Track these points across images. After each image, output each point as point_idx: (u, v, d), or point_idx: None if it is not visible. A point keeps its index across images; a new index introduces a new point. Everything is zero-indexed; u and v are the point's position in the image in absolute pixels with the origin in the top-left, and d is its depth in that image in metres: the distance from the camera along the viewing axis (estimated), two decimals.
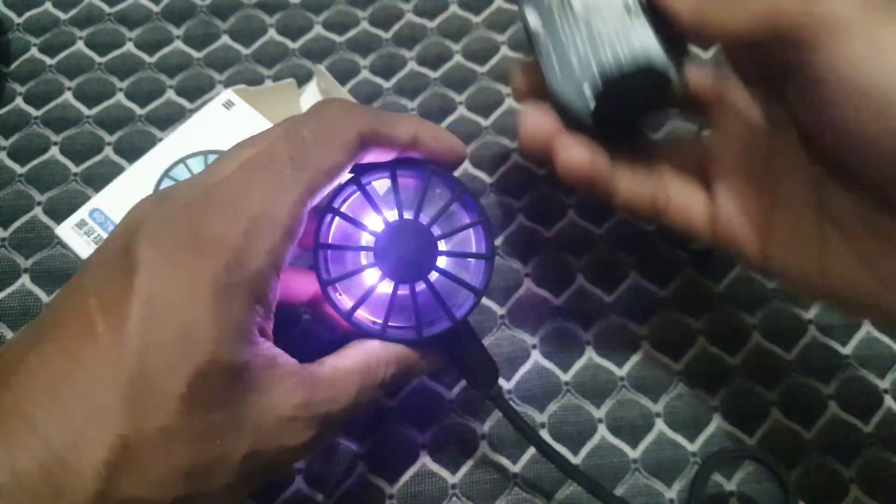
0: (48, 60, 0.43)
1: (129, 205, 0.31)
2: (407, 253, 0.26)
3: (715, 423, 0.34)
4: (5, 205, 0.38)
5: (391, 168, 0.26)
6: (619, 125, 0.28)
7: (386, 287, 0.26)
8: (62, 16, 0.44)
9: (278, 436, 0.22)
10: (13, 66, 0.42)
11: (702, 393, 0.35)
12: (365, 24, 0.45)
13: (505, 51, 0.44)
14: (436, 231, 0.27)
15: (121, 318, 0.20)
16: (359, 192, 0.26)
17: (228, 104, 0.34)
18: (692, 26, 0.25)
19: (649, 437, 0.34)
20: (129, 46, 0.43)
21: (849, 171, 0.25)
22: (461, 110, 0.42)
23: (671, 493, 0.32)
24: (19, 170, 0.39)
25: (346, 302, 0.26)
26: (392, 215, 0.26)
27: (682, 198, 0.30)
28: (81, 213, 0.31)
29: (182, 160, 0.32)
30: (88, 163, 0.40)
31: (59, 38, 0.43)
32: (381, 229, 0.26)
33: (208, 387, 0.20)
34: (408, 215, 0.27)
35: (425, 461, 0.33)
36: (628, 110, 0.28)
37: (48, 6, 0.44)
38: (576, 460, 0.33)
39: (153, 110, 0.41)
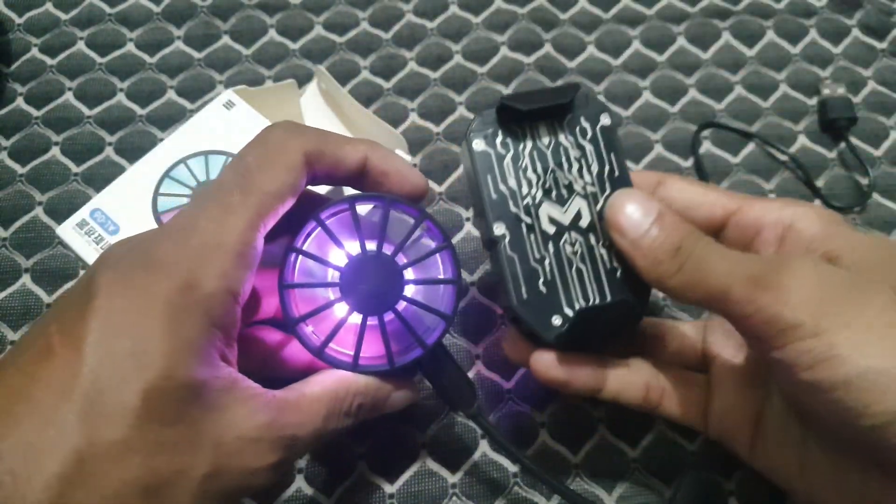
0: (49, 61, 0.43)
1: (129, 205, 0.31)
2: (373, 285, 0.26)
3: None
4: (6, 205, 0.38)
5: (350, 201, 0.26)
6: (580, 348, 0.28)
7: (356, 319, 0.26)
8: (63, 16, 0.44)
9: (241, 456, 0.22)
10: (14, 66, 0.43)
11: None
12: (365, 25, 0.45)
13: (505, 51, 0.44)
14: (400, 260, 0.27)
15: (77, 337, 0.20)
16: (319, 229, 0.26)
17: (229, 104, 0.34)
18: (652, 284, 0.26)
19: (649, 437, 0.34)
20: (130, 47, 0.44)
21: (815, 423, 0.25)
22: (461, 111, 0.42)
23: (671, 492, 0.32)
24: (20, 170, 0.39)
25: (317, 339, 0.27)
26: (355, 248, 0.26)
27: (675, 394, 0.30)
28: (82, 213, 0.31)
29: (183, 160, 0.32)
30: (89, 163, 0.40)
31: (60, 38, 0.43)
32: (346, 263, 0.26)
33: (162, 402, 0.20)
34: (371, 246, 0.27)
35: (425, 461, 0.33)
36: (591, 338, 0.28)
37: (49, 6, 0.44)
38: (575, 460, 0.33)
39: (154, 111, 0.41)
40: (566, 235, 0.28)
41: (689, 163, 0.41)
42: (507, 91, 0.43)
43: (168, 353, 0.20)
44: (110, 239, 0.31)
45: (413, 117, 0.42)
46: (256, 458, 0.22)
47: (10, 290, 0.36)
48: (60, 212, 0.38)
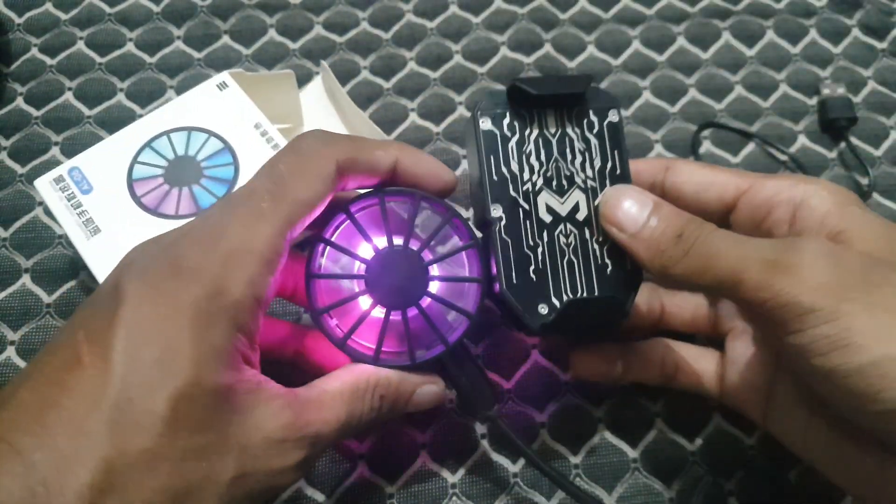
0: (49, 61, 0.43)
1: (106, 168, 0.32)
2: (398, 279, 0.26)
3: (714, 423, 0.34)
4: (6, 205, 0.38)
5: (380, 195, 0.27)
6: (564, 338, 0.29)
7: (380, 313, 0.26)
8: (63, 16, 0.44)
9: (267, 458, 0.22)
10: (14, 66, 0.42)
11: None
12: (365, 25, 0.45)
13: (505, 51, 0.44)
14: (427, 256, 0.27)
15: (105, 346, 0.20)
16: (349, 221, 0.26)
17: (222, 85, 0.35)
18: (657, 274, 0.26)
19: (649, 437, 0.34)
20: (130, 47, 0.43)
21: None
22: (461, 110, 0.42)
23: (671, 492, 0.32)
24: (20, 170, 0.39)
25: (339, 331, 0.27)
26: (382, 242, 0.27)
27: (688, 367, 0.31)
28: (61, 169, 0.32)
29: (166, 133, 0.33)
30: None
31: (60, 38, 0.43)
32: (372, 256, 0.27)
33: (190, 408, 0.20)
34: (398, 241, 0.27)
35: (425, 461, 0.33)
36: (575, 330, 0.28)
37: (49, 6, 0.44)
38: (575, 460, 0.33)
39: (154, 110, 0.41)
40: (561, 226, 0.28)
41: None
42: None
43: (195, 359, 0.21)
44: (82, 198, 0.31)
45: (413, 117, 0.42)
46: (282, 458, 0.22)
47: (9, 290, 0.36)
48: None
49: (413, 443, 0.33)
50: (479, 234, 0.28)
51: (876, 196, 0.40)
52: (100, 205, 0.31)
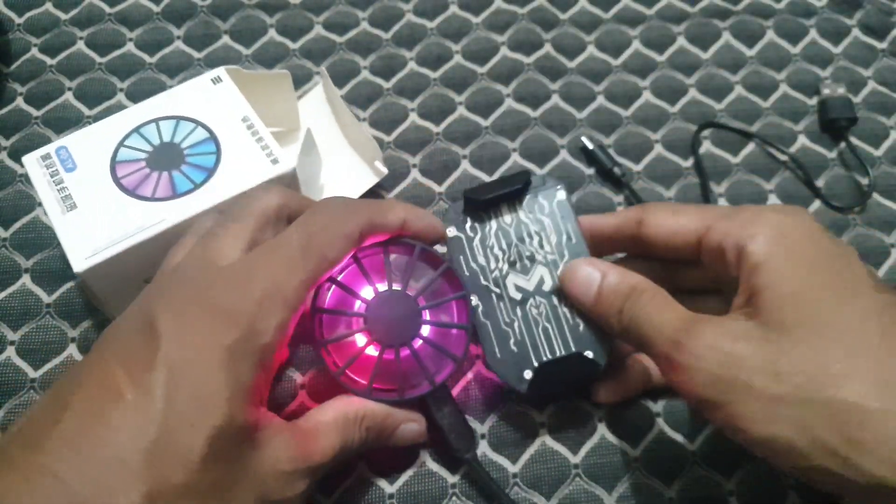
0: (49, 60, 0.43)
1: (93, 149, 0.32)
2: (394, 320, 0.29)
3: None
4: (6, 205, 0.38)
5: (383, 245, 0.30)
6: (550, 395, 0.33)
7: (374, 351, 0.29)
8: (63, 16, 0.44)
9: (279, 489, 0.24)
10: (14, 66, 0.43)
11: None
12: (365, 25, 0.45)
13: (505, 51, 0.44)
14: (421, 302, 0.30)
15: (147, 384, 0.22)
16: (354, 265, 0.29)
17: (217, 80, 0.35)
18: (611, 333, 0.30)
19: (649, 437, 0.34)
20: (130, 47, 0.44)
21: None
22: (461, 110, 0.42)
23: (671, 492, 0.32)
24: (20, 170, 0.39)
25: (335, 365, 0.29)
26: (383, 286, 0.30)
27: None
28: (50, 147, 0.32)
29: (154, 121, 0.33)
30: None
31: (60, 38, 0.43)
32: (372, 297, 0.29)
33: (224, 444, 0.22)
34: (397, 287, 0.30)
35: (425, 460, 0.33)
36: (558, 386, 0.32)
37: (49, 6, 0.44)
38: (575, 459, 0.33)
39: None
40: (531, 300, 0.32)
41: (688, 163, 0.41)
42: (507, 91, 0.43)
43: (230, 398, 0.22)
44: (65, 175, 0.31)
45: (413, 117, 0.42)
46: (291, 488, 0.24)
47: (9, 290, 0.36)
48: None
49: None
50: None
51: (876, 196, 0.40)
52: (81, 183, 0.31)
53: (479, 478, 0.31)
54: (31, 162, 0.32)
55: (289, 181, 0.33)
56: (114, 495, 0.20)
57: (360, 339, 0.30)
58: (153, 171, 0.32)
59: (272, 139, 0.33)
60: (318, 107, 0.41)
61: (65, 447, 0.21)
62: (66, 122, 0.41)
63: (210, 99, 0.34)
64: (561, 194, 0.33)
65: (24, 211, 0.38)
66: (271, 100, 0.38)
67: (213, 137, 0.33)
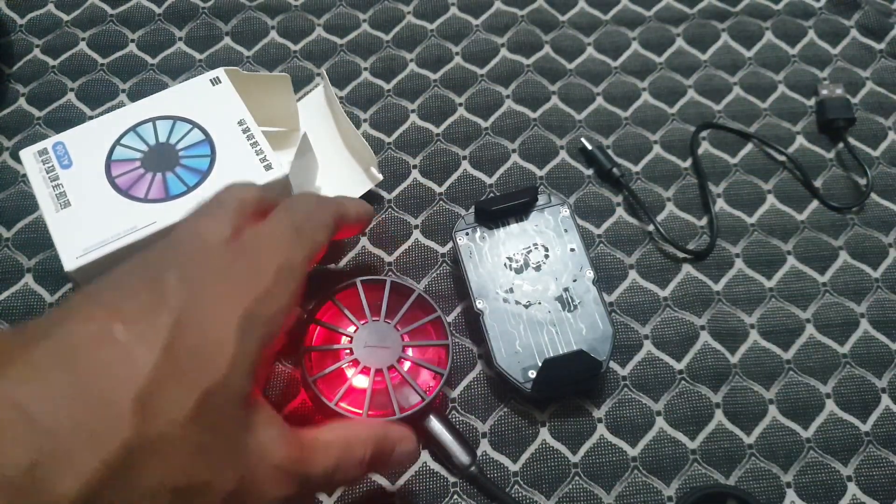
0: (51, 61, 0.43)
1: (90, 146, 0.32)
2: (378, 347, 0.32)
3: (715, 422, 0.34)
4: (8, 205, 0.39)
5: (357, 281, 0.34)
6: (554, 393, 0.34)
7: (364, 379, 0.32)
8: (64, 17, 0.44)
9: (263, 482, 0.22)
10: (16, 67, 0.43)
11: (702, 391, 0.35)
12: (366, 27, 0.45)
13: (505, 53, 0.44)
14: (400, 328, 0.33)
15: (144, 331, 0.20)
16: (330, 301, 0.33)
17: (216, 80, 0.35)
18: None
19: (649, 436, 0.34)
20: (132, 48, 0.44)
21: None
22: (461, 112, 0.42)
23: (670, 491, 0.32)
24: (22, 170, 0.39)
25: (330, 396, 0.31)
26: (363, 318, 0.33)
27: None
28: (47, 142, 0.32)
29: (152, 119, 0.33)
30: None
31: (62, 39, 0.44)
32: (355, 330, 0.33)
33: (214, 407, 0.20)
34: (376, 318, 0.33)
35: (426, 459, 0.33)
36: (560, 385, 0.33)
37: (51, 7, 0.45)
38: (575, 459, 0.33)
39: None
40: (537, 304, 0.34)
41: (687, 163, 0.41)
42: (506, 92, 0.43)
43: (230, 362, 0.21)
44: (60, 171, 0.31)
45: (413, 118, 0.42)
46: (275, 487, 0.23)
47: (12, 289, 0.36)
48: None
49: None
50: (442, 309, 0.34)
51: (874, 196, 0.40)
52: (75, 180, 0.31)
53: (483, 486, 0.32)
54: (28, 157, 0.32)
55: (281, 188, 0.33)
56: (95, 440, 0.18)
57: (349, 371, 0.32)
58: (147, 172, 0.32)
59: (267, 143, 0.33)
60: (317, 109, 0.41)
61: (36, 377, 0.18)
62: (67, 123, 0.41)
63: (208, 100, 0.34)
64: (565, 211, 0.36)
65: (26, 211, 0.38)
66: (271, 101, 0.38)
67: (208, 140, 0.33)
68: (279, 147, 0.34)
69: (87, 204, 0.31)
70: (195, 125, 0.33)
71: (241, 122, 0.34)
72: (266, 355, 0.23)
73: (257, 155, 0.33)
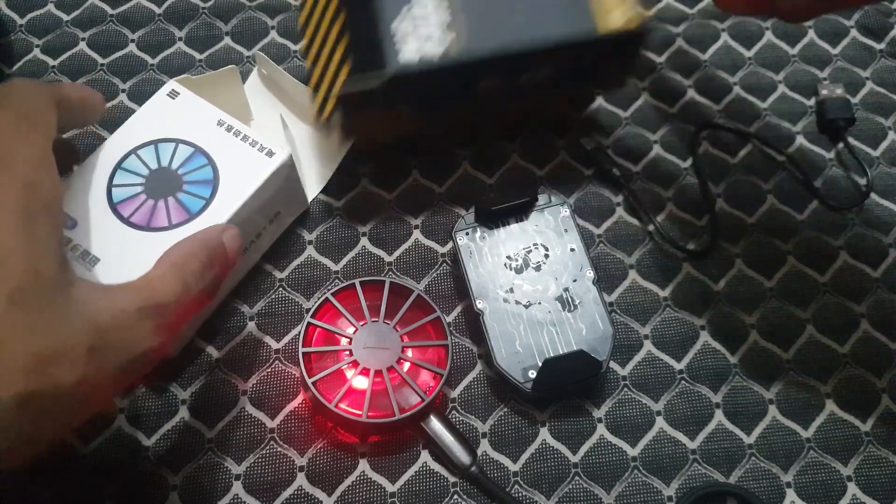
0: (51, 62, 0.43)
1: (84, 200, 0.32)
2: (378, 348, 0.32)
3: (715, 421, 0.34)
4: None
5: (355, 282, 0.34)
6: (554, 393, 0.34)
7: (362, 382, 0.32)
8: (64, 17, 0.44)
9: (120, 330, 0.24)
10: (15, 67, 0.43)
11: (702, 391, 0.35)
12: None
13: None
14: (399, 328, 0.33)
15: None
16: (329, 303, 0.33)
17: (173, 94, 0.35)
18: None
19: (649, 436, 0.34)
20: (132, 48, 0.44)
21: None
22: None
23: (670, 490, 0.33)
24: None
25: (330, 397, 0.31)
26: (362, 319, 0.33)
27: None
28: None
29: (133, 151, 0.33)
30: None
31: (62, 39, 0.44)
32: (354, 331, 0.33)
33: (27, 296, 0.22)
34: (375, 319, 0.33)
35: (426, 460, 0.33)
36: (560, 385, 0.33)
37: (51, 7, 0.45)
38: (575, 458, 0.33)
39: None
40: (537, 305, 0.34)
41: (687, 163, 0.41)
42: None
43: (28, 254, 0.22)
44: (69, 233, 0.31)
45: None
46: (135, 327, 0.24)
47: None
48: None
49: (414, 442, 0.33)
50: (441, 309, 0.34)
51: (874, 196, 0.40)
52: (89, 235, 0.31)
53: (484, 486, 0.32)
54: None
55: (288, 170, 0.33)
56: None
57: (349, 372, 0.32)
58: (158, 201, 0.32)
59: (256, 133, 0.33)
60: (258, 92, 0.42)
61: None
62: None
63: (175, 114, 0.34)
64: (565, 211, 0.36)
65: None
66: (223, 97, 0.37)
67: (198, 149, 0.33)
68: None
69: (115, 252, 0.30)
70: (179, 141, 0.33)
71: (220, 123, 0.34)
72: (58, 230, 0.24)
73: (253, 146, 0.33)
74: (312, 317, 0.33)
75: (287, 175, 0.34)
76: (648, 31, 0.34)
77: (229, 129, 0.33)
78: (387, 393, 0.31)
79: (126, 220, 0.31)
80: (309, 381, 0.31)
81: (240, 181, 0.32)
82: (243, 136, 0.33)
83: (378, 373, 0.32)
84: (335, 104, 0.34)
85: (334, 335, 0.33)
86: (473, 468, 0.32)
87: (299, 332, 0.33)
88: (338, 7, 0.33)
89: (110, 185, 0.32)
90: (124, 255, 0.30)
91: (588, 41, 0.33)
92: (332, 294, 0.33)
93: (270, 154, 0.33)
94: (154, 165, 0.33)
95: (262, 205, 0.34)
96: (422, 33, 0.32)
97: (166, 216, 0.31)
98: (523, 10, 0.33)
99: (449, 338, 0.33)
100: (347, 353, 0.32)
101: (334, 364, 0.32)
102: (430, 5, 0.33)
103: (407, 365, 0.33)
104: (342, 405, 0.31)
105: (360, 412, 0.31)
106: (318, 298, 0.34)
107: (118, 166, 0.33)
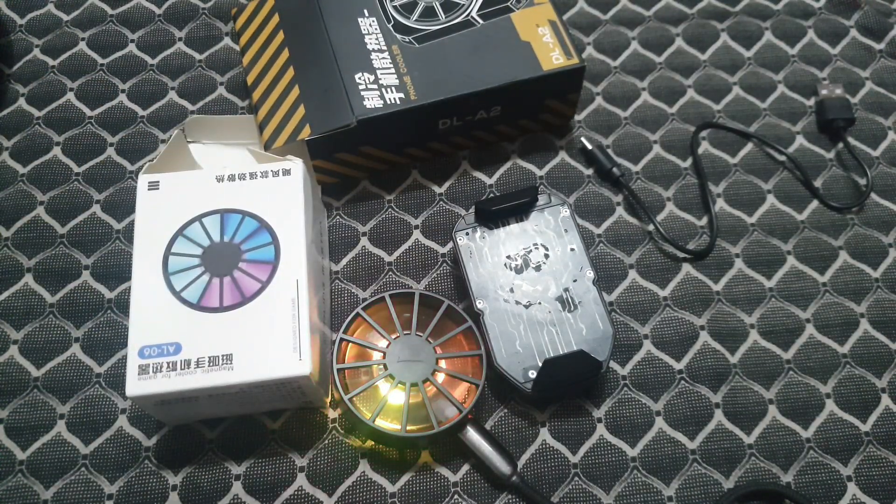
0: (50, 61, 0.43)
1: (161, 319, 0.30)
2: (412, 361, 0.32)
3: (715, 421, 0.34)
4: (8, 205, 0.39)
5: (385, 295, 0.33)
6: (554, 394, 0.34)
7: (398, 396, 0.31)
8: (64, 17, 0.44)
9: None
10: (15, 67, 0.43)
11: (702, 391, 0.35)
12: None
13: None
14: (432, 340, 0.33)
15: None
16: (360, 317, 0.33)
17: (153, 184, 0.33)
18: None
19: (649, 436, 0.34)
20: (132, 48, 0.44)
21: None
22: None
23: (669, 490, 0.33)
24: (21, 170, 0.39)
25: (365, 413, 0.31)
26: (395, 332, 0.33)
27: None
28: (132, 360, 0.29)
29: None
30: (91, 163, 0.40)
31: (62, 39, 0.44)
32: (387, 345, 0.32)
33: None
34: (407, 331, 0.33)
35: (426, 460, 0.33)
36: (560, 385, 0.32)
37: (50, 8, 0.45)
38: (574, 459, 0.33)
39: (155, 112, 0.42)
40: (537, 305, 0.34)
41: (687, 163, 0.41)
42: None
43: None
44: (177, 358, 0.29)
45: None
46: None
47: (12, 289, 0.36)
48: (62, 211, 0.38)
49: (415, 442, 0.33)
50: (478, 309, 0.34)
51: (874, 196, 0.40)
52: (187, 360, 0.30)
53: (527, 496, 0.32)
54: (138, 386, 0.29)
55: (304, 172, 0.34)
56: None
57: (385, 387, 0.32)
58: (213, 277, 0.31)
59: (258, 165, 0.33)
60: (199, 151, 0.38)
61: None
62: (67, 123, 0.41)
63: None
64: (565, 211, 0.36)
65: (25, 210, 0.38)
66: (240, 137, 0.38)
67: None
68: (263, 161, 0.34)
69: (212, 334, 0.30)
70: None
71: (219, 179, 0.33)
72: None
73: (264, 177, 0.33)
74: (345, 332, 0.33)
75: (305, 177, 0.34)
76: (584, 66, 0.37)
77: (234, 178, 0.33)
78: (423, 406, 0.31)
79: (200, 308, 0.30)
80: (346, 398, 0.31)
81: (287, 215, 0.32)
82: (251, 175, 0.33)
83: (414, 386, 0.32)
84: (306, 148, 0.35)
85: (367, 350, 0.33)
86: (514, 478, 0.31)
87: (332, 349, 0.32)
88: (285, 63, 0.37)
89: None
90: (208, 335, 0.30)
91: (535, 78, 0.37)
92: (363, 308, 0.33)
93: (285, 172, 0.33)
94: (204, 242, 0.32)
95: (310, 216, 0.33)
96: (383, 82, 0.35)
97: (218, 296, 0.31)
98: (477, 57, 0.37)
99: (482, 347, 0.33)
100: (382, 367, 0.32)
101: (369, 379, 0.32)
102: (388, 58, 0.36)
103: (441, 376, 0.32)
104: (379, 420, 0.31)
105: (398, 426, 0.30)
106: (350, 314, 0.33)
107: (168, 250, 0.32)
